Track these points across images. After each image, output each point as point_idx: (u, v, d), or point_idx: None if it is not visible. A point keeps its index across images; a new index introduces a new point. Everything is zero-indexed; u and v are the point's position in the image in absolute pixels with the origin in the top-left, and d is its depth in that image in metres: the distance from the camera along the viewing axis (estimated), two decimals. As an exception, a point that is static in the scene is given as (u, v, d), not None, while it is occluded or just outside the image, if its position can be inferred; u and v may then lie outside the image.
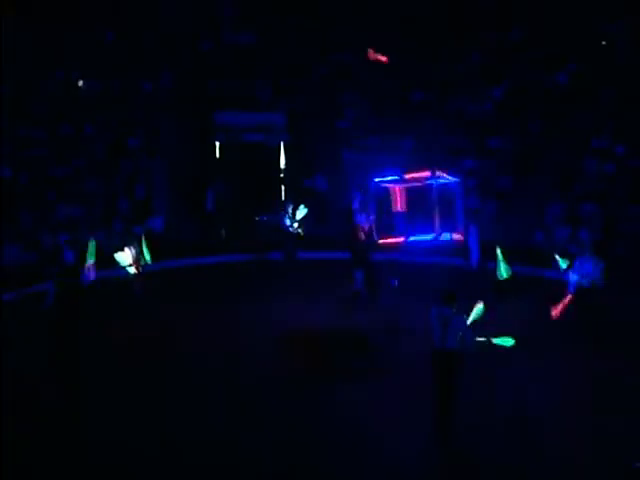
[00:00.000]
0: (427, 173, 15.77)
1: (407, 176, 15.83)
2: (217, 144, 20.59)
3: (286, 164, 20.58)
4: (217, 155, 20.63)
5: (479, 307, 9.24)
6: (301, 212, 16.20)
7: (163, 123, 20.21)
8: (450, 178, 16.18)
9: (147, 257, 13.84)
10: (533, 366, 11.35)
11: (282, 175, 20.60)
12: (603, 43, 20.62)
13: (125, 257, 13.69)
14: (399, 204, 15.87)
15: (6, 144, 18.19)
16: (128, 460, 8.66)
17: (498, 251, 13.75)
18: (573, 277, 12.30)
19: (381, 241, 15.07)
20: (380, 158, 19.67)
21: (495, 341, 9.48)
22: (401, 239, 15.74)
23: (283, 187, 20.39)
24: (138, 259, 13.70)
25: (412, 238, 15.64)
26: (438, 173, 15.81)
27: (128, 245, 13.77)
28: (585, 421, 9.69)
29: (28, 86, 19.99)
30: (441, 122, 20.39)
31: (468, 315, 9.20)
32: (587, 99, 19.56)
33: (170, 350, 11.90)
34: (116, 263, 13.83)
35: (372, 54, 15.24)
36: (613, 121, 18.85)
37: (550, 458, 8.81)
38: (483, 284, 13.78)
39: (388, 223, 15.94)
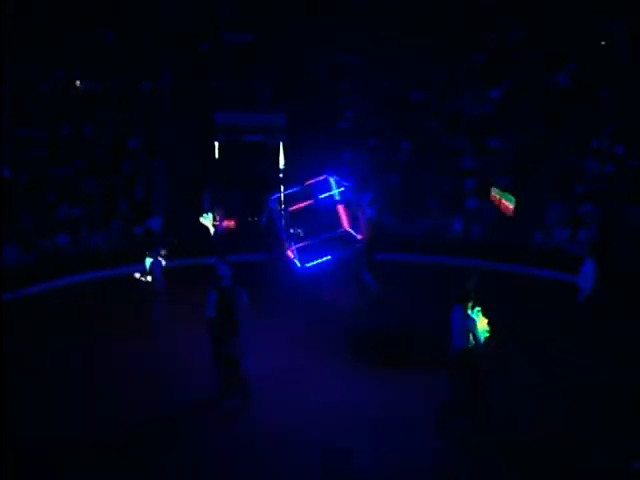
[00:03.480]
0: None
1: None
2: (217, 144, 20.56)
3: (286, 164, 20.55)
4: (217, 155, 20.61)
5: (485, 328, 9.21)
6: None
7: (163, 123, 20.18)
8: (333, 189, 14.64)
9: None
10: (532, 367, 11.37)
11: (282, 175, 20.56)
12: (603, 43, 20.61)
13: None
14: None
15: (6, 144, 18.16)
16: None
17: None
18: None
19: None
20: (380, 158, 19.73)
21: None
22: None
23: (283, 187, 20.35)
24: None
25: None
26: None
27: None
28: (583, 421, 9.70)
29: (28, 86, 19.98)
30: (441, 122, 20.39)
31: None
32: (587, 99, 19.55)
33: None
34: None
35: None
36: (613, 121, 18.83)
37: (548, 458, 8.83)
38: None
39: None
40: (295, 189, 14.35)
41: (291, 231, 17.63)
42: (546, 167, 18.81)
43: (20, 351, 11.94)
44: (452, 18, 21.31)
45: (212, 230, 15.04)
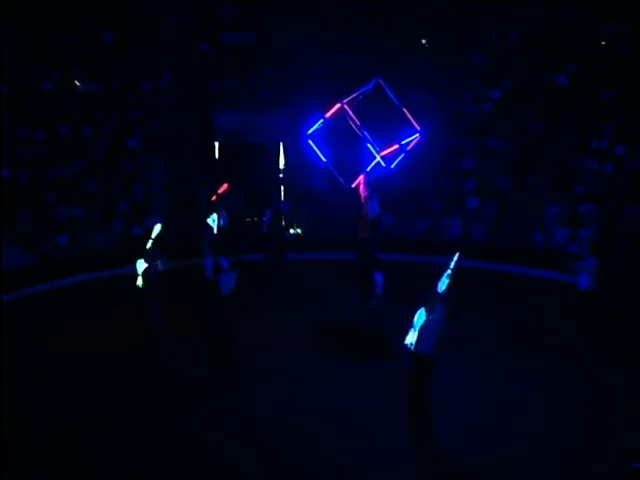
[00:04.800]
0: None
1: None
2: (217, 144, 20.56)
3: (286, 164, 20.56)
4: (217, 155, 20.61)
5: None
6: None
7: (163, 123, 20.17)
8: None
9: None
10: (530, 366, 11.37)
11: (282, 175, 20.58)
12: (603, 43, 20.62)
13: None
14: None
15: (6, 144, 18.16)
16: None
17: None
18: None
19: None
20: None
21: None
22: None
23: (283, 187, 20.37)
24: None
25: None
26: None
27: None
28: (583, 421, 9.70)
29: (28, 86, 19.97)
30: (441, 123, 20.37)
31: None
32: (587, 99, 19.55)
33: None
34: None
35: None
36: (613, 121, 18.84)
37: (548, 458, 8.82)
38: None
39: None
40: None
41: (291, 231, 17.67)
42: (546, 167, 18.83)
43: (20, 351, 11.93)
44: (452, 18, 21.30)
45: (215, 230, 14.99)
